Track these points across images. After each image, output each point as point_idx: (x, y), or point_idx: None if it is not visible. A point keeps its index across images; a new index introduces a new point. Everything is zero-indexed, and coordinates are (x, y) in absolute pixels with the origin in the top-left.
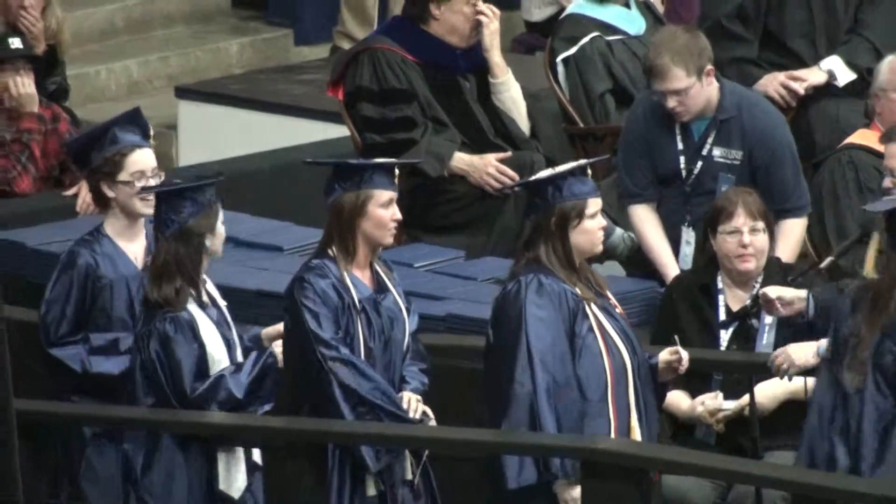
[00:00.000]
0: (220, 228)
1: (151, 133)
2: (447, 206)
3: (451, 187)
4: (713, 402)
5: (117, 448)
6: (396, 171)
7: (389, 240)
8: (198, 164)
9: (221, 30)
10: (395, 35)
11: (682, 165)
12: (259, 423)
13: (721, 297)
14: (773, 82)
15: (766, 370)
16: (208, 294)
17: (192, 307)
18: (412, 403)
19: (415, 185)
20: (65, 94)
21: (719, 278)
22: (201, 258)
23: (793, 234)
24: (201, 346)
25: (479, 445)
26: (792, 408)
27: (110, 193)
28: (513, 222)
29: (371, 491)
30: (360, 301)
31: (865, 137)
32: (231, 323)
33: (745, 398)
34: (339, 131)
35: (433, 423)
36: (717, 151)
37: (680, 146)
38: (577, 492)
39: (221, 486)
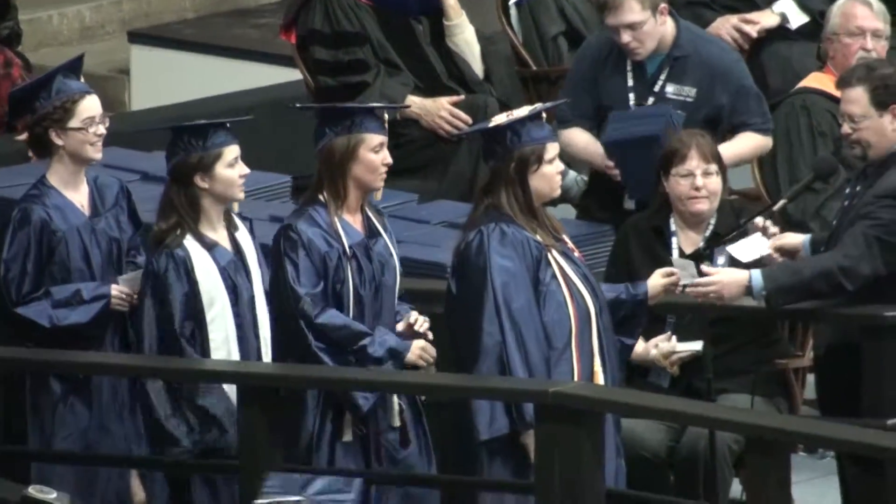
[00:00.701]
0: (226, 172)
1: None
2: (400, 150)
3: (404, 131)
4: (667, 344)
5: (85, 403)
6: (386, 115)
7: (380, 184)
8: (151, 108)
9: None
10: None
11: (632, 102)
12: (239, 370)
13: (674, 240)
14: (725, 25)
15: (719, 310)
16: (231, 237)
17: (192, 244)
18: (419, 319)
19: None
20: (17, 38)
21: (672, 220)
22: (197, 197)
23: (744, 140)
24: (193, 283)
25: (436, 389)
26: (744, 352)
27: (59, 141)
28: (466, 166)
29: (347, 436)
30: (350, 247)
31: (819, 81)
32: (250, 271)
33: (699, 342)
34: (292, 75)
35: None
36: (669, 88)
37: (631, 83)
38: None
39: None
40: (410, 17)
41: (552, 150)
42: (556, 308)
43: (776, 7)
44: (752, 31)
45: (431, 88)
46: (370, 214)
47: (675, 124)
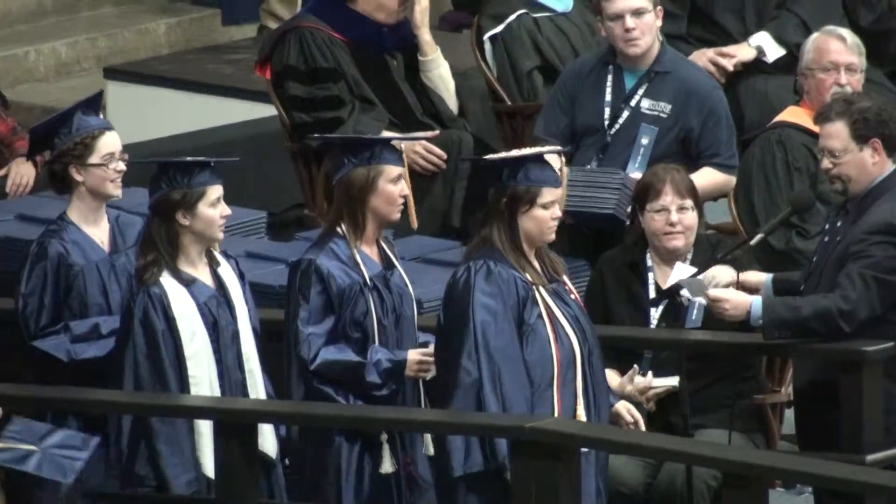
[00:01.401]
0: (208, 211)
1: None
2: None
3: None
4: (643, 380)
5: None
6: (403, 146)
7: (397, 215)
8: (127, 144)
9: (149, 10)
10: (322, 13)
11: (607, 115)
12: (234, 406)
13: (650, 275)
14: (702, 58)
15: (696, 348)
16: (214, 273)
17: (168, 281)
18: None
19: None
20: None
21: (648, 256)
22: (176, 234)
23: (705, 175)
24: (170, 320)
25: (415, 424)
26: (721, 387)
27: (79, 177)
28: (440, 201)
29: (387, 468)
30: (370, 278)
31: (796, 115)
32: (234, 307)
33: (675, 377)
34: (267, 111)
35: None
36: (645, 103)
37: (608, 98)
38: None
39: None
40: (385, 53)
41: (549, 194)
42: (539, 348)
43: (753, 40)
44: (729, 64)
45: (406, 124)
46: (384, 246)
47: (628, 191)
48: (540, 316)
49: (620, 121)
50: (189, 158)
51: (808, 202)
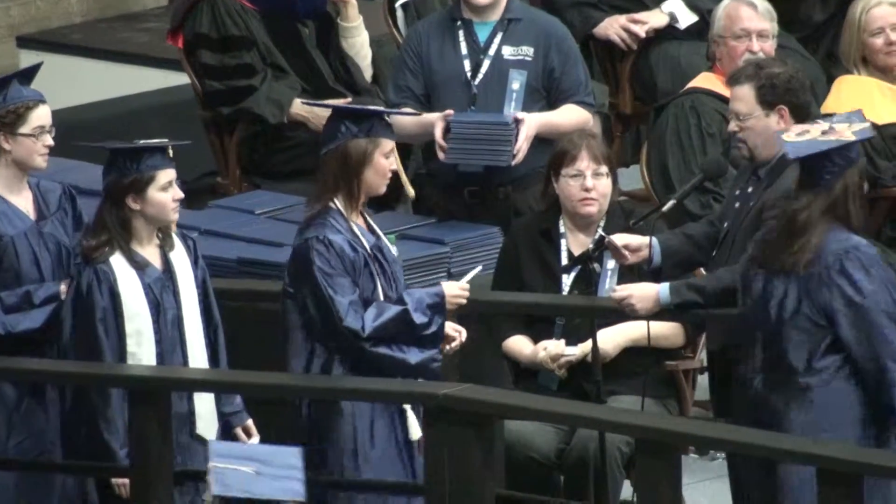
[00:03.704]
0: (158, 196)
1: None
2: (287, 153)
3: (291, 134)
4: (555, 347)
5: (41, 406)
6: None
7: (384, 189)
8: None
9: None
10: None
11: (468, 68)
12: (181, 376)
13: (563, 242)
14: (613, 25)
15: (609, 314)
16: (163, 257)
17: (119, 262)
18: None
19: (255, 132)
20: None
21: (561, 222)
22: (128, 219)
23: (573, 111)
24: (116, 296)
25: (338, 392)
26: (633, 354)
27: (6, 146)
28: None
29: (416, 434)
30: (371, 249)
31: (708, 81)
32: (179, 291)
33: (588, 343)
34: (180, 79)
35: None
36: (506, 50)
37: (465, 51)
38: None
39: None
40: (297, 21)
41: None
42: None
43: (665, 7)
44: (641, 31)
45: (318, 91)
46: (366, 216)
47: (515, 136)
48: None
49: (483, 70)
50: (139, 143)
51: (721, 168)
